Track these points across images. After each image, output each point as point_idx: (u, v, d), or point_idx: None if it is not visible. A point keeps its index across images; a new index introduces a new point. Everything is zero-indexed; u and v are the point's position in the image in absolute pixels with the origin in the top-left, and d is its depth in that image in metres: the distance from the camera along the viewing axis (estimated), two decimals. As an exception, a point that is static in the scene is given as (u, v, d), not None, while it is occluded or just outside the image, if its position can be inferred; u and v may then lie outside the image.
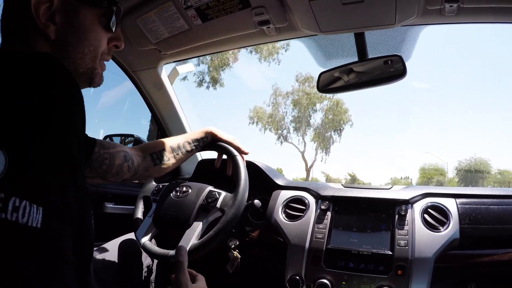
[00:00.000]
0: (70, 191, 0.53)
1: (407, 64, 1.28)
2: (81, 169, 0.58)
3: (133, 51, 1.61)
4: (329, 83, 1.41)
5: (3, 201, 0.43)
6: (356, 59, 1.36)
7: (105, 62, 0.85)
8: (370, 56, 1.35)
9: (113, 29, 0.80)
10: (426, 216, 1.28)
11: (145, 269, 1.55)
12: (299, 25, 1.30)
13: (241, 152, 1.34)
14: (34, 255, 0.45)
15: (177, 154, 1.29)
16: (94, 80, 0.79)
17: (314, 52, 1.53)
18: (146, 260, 1.54)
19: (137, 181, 2.04)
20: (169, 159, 1.28)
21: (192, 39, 1.45)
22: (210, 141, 1.37)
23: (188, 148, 1.32)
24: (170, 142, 1.30)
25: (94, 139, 1.11)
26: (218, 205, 1.22)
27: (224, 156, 1.38)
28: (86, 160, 1.05)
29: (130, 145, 1.90)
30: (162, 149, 1.27)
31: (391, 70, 1.30)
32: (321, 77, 1.42)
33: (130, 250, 1.50)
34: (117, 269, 1.43)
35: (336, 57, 1.51)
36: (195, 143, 1.34)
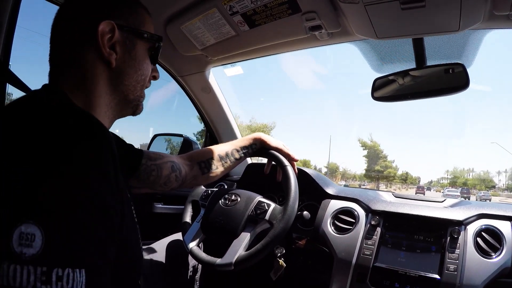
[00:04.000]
0: (108, 243, 0.55)
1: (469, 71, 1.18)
2: (117, 217, 0.59)
3: (179, 56, 1.61)
4: (384, 91, 1.32)
5: (46, 274, 0.44)
6: (413, 64, 1.26)
7: None
8: (429, 62, 1.25)
9: (156, 62, 0.86)
10: (479, 239, 1.19)
11: (190, 269, 1.59)
12: (353, 30, 1.22)
13: (291, 160, 1.31)
14: None
15: (225, 162, 1.29)
16: (138, 107, 0.84)
17: (368, 56, 1.44)
18: (192, 260, 1.57)
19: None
20: (217, 168, 1.28)
21: (239, 45, 1.43)
22: (259, 148, 1.35)
23: (237, 155, 1.31)
24: (218, 150, 1.30)
25: (141, 150, 1.13)
26: (267, 217, 1.20)
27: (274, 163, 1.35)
28: (133, 172, 1.09)
29: (179, 143, 1.92)
30: (210, 157, 1.27)
31: (452, 80, 1.20)
32: (376, 83, 1.33)
33: (177, 251, 1.54)
34: (164, 268, 1.48)
35: (392, 61, 1.42)
36: (244, 151, 1.33)
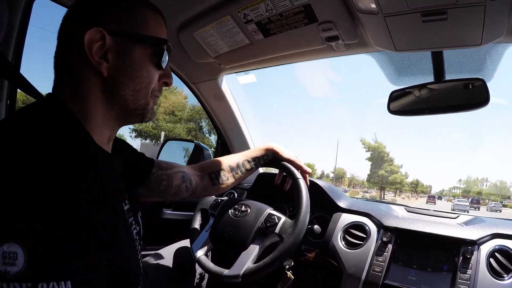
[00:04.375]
0: (95, 255, 0.56)
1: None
2: (106, 230, 0.59)
3: (192, 63, 1.60)
4: (401, 104, 1.28)
5: None
6: (431, 78, 1.23)
7: None
8: (448, 76, 1.22)
9: (163, 67, 0.80)
10: (491, 260, 1.15)
11: (197, 276, 1.58)
12: (371, 41, 1.20)
13: (303, 171, 1.30)
14: None
15: (236, 173, 1.28)
16: (146, 115, 0.79)
17: (385, 67, 1.41)
18: (199, 267, 1.54)
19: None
20: (227, 179, 1.27)
21: (253, 53, 1.41)
22: (271, 159, 1.34)
23: (248, 166, 1.30)
24: (229, 160, 1.28)
25: (152, 159, 1.13)
26: (277, 230, 1.19)
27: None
28: (143, 181, 1.08)
29: (190, 149, 1.92)
30: (220, 168, 1.26)
31: (472, 95, 1.17)
32: (393, 96, 1.30)
33: (184, 258, 1.53)
34: (171, 275, 1.47)
35: (409, 74, 1.39)
36: (255, 161, 1.31)
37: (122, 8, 0.73)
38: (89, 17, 0.70)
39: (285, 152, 1.32)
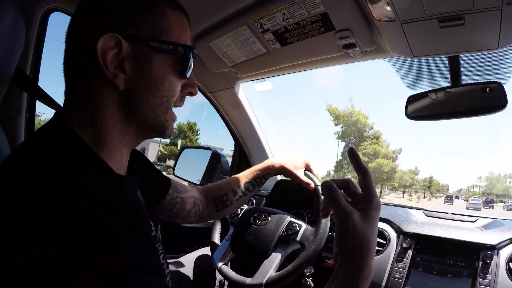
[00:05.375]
0: None
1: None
2: None
3: (208, 73, 1.61)
4: (419, 109, 1.28)
5: None
6: (448, 82, 1.22)
7: None
8: (465, 80, 1.21)
9: (187, 76, 0.70)
10: (511, 265, 1.14)
11: (217, 283, 1.59)
12: (388, 48, 1.20)
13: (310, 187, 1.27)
14: None
15: (239, 197, 1.26)
16: (165, 132, 0.71)
17: (402, 72, 1.41)
18: (219, 275, 1.55)
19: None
20: (231, 203, 1.25)
21: (270, 62, 1.41)
22: (276, 174, 1.31)
23: (251, 188, 1.28)
24: (232, 184, 1.26)
25: (169, 180, 1.11)
26: (298, 238, 1.20)
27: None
28: (158, 201, 1.06)
29: (208, 157, 1.92)
30: (224, 193, 1.24)
31: (489, 99, 1.15)
32: (410, 100, 1.29)
33: (204, 265, 1.56)
34: (191, 282, 1.49)
35: (426, 78, 1.38)
36: (257, 181, 1.28)
37: (141, 7, 0.62)
38: (102, 20, 0.60)
39: (291, 165, 1.27)
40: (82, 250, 0.44)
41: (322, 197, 1.19)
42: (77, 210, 0.47)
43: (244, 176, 1.28)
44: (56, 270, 0.43)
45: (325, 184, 0.64)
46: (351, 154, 0.68)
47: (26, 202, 0.47)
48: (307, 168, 1.32)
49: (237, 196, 1.25)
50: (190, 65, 0.69)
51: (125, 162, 0.72)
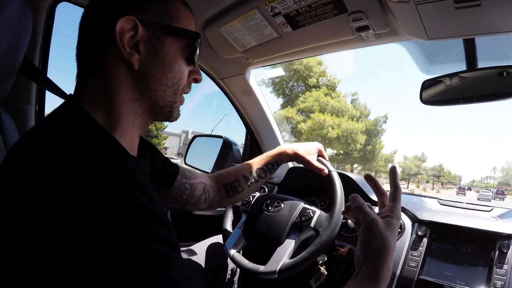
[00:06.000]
0: None
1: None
2: None
3: (219, 59, 1.59)
4: (434, 94, 1.25)
5: None
6: (463, 66, 1.19)
7: None
8: (480, 64, 1.17)
9: (195, 63, 0.76)
10: None
11: (229, 272, 1.59)
12: (402, 30, 1.16)
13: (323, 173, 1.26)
14: None
15: (251, 183, 1.25)
16: (172, 114, 0.75)
17: (416, 56, 1.37)
18: (231, 263, 1.57)
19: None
20: (243, 189, 1.25)
21: (281, 47, 1.39)
22: (288, 161, 1.31)
23: (262, 174, 1.27)
24: (243, 170, 1.26)
25: (177, 166, 1.11)
26: (312, 224, 1.18)
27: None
28: (167, 188, 1.06)
29: (219, 145, 1.91)
30: (235, 179, 1.24)
31: (507, 83, 1.12)
32: (425, 85, 1.26)
33: (216, 253, 1.56)
34: (203, 270, 1.48)
35: (441, 63, 1.34)
36: (269, 167, 1.28)
37: None
38: (120, 5, 0.65)
39: (303, 151, 1.26)
40: (109, 221, 0.46)
41: (336, 183, 1.18)
42: (101, 181, 0.49)
43: (256, 163, 1.28)
44: (83, 236, 0.45)
45: (352, 196, 0.79)
46: (392, 172, 0.79)
47: (43, 178, 0.48)
48: (320, 154, 1.30)
49: (248, 183, 1.24)
50: (197, 53, 0.75)
51: (136, 145, 0.75)
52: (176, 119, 0.77)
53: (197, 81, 0.79)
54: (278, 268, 1.13)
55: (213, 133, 2.07)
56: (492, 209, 1.36)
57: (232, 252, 1.29)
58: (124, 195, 0.49)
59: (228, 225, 1.42)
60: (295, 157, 1.26)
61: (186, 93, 0.78)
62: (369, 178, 0.84)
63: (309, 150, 1.27)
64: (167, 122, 0.78)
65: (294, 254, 1.16)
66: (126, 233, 0.46)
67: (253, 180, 1.25)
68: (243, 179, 1.24)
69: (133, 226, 0.48)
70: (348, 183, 1.47)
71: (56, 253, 0.44)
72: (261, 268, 1.17)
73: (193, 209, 1.18)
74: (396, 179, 0.78)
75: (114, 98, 0.65)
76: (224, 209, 1.50)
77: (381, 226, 0.70)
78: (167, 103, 0.72)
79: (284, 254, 1.15)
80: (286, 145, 1.31)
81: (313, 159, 1.26)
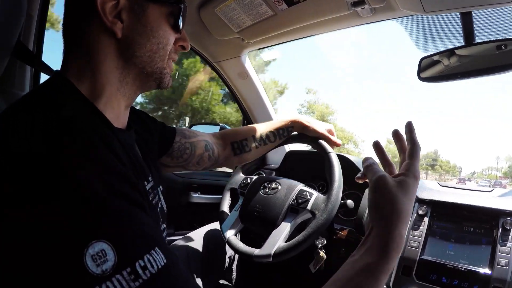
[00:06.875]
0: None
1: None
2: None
3: (214, 41, 1.57)
4: (432, 71, 1.23)
5: (133, 271, 0.44)
6: (461, 41, 1.17)
7: None
8: (478, 39, 1.15)
9: (180, 29, 0.75)
10: None
11: (227, 259, 1.58)
12: (398, 5, 1.14)
13: (333, 144, 1.26)
14: None
15: (259, 145, 1.25)
16: (163, 80, 0.75)
17: (413, 33, 1.35)
18: (229, 249, 1.55)
19: (222, 171, 2.06)
20: (250, 149, 1.24)
21: (277, 25, 1.36)
22: (298, 131, 1.30)
23: (272, 138, 1.26)
24: (252, 130, 1.25)
25: (174, 128, 1.11)
26: (308, 207, 1.15)
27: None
28: (167, 150, 1.07)
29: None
30: (243, 138, 1.23)
31: (505, 57, 1.10)
32: (422, 63, 1.24)
33: (214, 240, 1.53)
34: (201, 258, 1.46)
35: (439, 39, 1.32)
36: (279, 133, 1.28)
37: None
38: None
39: (316, 124, 1.27)
40: (69, 170, 0.46)
41: (335, 165, 1.16)
42: (73, 144, 0.49)
43: (267, 126, 1.28)
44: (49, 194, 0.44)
45: (365, 158, 0.70)
46: (409, 126, 0.69)
47: (24, 146, 0.48)
48: (330, 134, 1.29)
49: (256, 143, 1.24)
50: (181, 18, 0.74)
51: (124, 117, 0.75)
52: (167, 86, 0.76)
53: (184, 48, 0.79)
54: (272, 252, 1.10)
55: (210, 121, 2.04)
56: (493, 189, 1.34)
57: (228, 235, 1.27)
58: (87, 147, 0.49)
59: (226, 207, 1.40)
60: (307, 128, 1.27)
61: (174, 60, 0.78)
62: (376, 146, 0.73)
63: (321, 126, 1.28)
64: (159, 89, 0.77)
65: (290, 238, 1.14)
66: (85, 181, 0.46)
67: (261, 142, 1.24)
68: (252, 139, 1.23)
69: (92, 175, 0.47)
70: (347, 166, 1.44)
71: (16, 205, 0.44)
72: (256, 251, 1.15)
73: (197, 168, 1.16)
74: (413, 134, 0.68)
75: (99, 68, 0.65)
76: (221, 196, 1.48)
77: (391, 184, 0.60)
78: (155, 69, 0.71)
79: (279, 237, 1.13)
80: (301, 115, 1.30)
81: (324, 132, 1.27)
